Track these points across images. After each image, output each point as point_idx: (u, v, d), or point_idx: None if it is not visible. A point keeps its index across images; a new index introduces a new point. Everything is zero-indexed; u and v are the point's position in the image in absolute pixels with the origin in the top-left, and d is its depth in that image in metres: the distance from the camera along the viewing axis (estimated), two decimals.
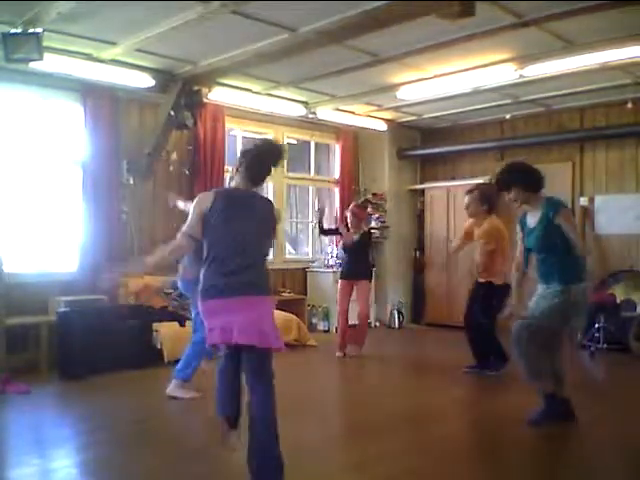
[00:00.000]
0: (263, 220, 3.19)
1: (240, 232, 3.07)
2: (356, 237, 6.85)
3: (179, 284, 5.10)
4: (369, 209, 8.70)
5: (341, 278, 7.01)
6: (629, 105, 7.31)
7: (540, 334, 4.01)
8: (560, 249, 4.02)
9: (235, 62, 6.01)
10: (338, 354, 6.78)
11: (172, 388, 4.90)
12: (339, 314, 6.95)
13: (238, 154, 3.34)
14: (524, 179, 4.15)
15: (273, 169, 3.24)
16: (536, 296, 4.18)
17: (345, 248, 6.96)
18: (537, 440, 3.96)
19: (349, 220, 6.93)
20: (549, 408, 4.12)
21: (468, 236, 5.95)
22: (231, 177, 3.34)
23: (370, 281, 7.11)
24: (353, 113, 8.58)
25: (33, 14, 4.84)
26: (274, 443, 3.00)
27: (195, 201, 3.18)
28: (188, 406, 4.74)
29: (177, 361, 5.03)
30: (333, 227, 7.61)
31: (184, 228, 3.12)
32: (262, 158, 3.18)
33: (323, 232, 7.16)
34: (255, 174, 3.18)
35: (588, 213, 7.91)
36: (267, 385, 3.06)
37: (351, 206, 7.17)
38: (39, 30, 4.97)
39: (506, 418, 4.49)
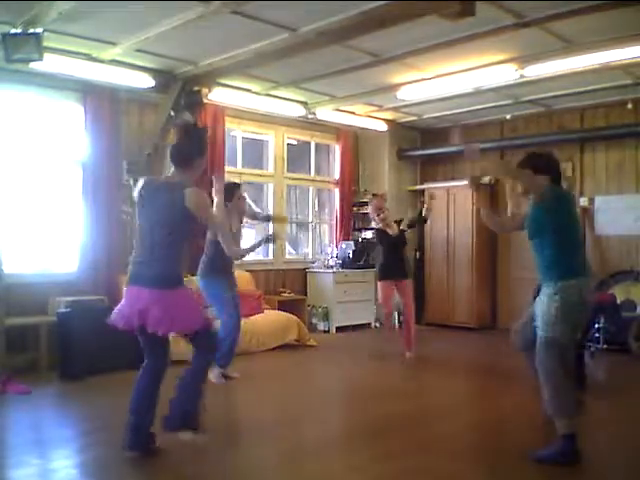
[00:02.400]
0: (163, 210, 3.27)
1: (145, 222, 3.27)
2: (394, 232, 6.59)
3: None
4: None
5: (382, 279, 6.64)
6: (629, 105, 7.32)
7: (560, 354, 3.45)
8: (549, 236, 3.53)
9: (235, 62, 6.02)
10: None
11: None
12: (387, 316, 6.74)
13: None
14: None
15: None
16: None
17: (384, 246, 6.63)
18: (538, 440, 3.95)
19: (376, 217, 6.65)
20: (563, 449, 3.48)
21: None
22: None
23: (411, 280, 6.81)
24: (353, 113, 8.58)
25: (33, 14, 4.85)
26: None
27: None
28: None
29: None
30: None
31: None
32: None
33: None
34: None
35: (588, 213, 7.91)
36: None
37: (374, 202, 6.85)
38: (39, 30, 4.98)
39: (507, 418, 4.49)
